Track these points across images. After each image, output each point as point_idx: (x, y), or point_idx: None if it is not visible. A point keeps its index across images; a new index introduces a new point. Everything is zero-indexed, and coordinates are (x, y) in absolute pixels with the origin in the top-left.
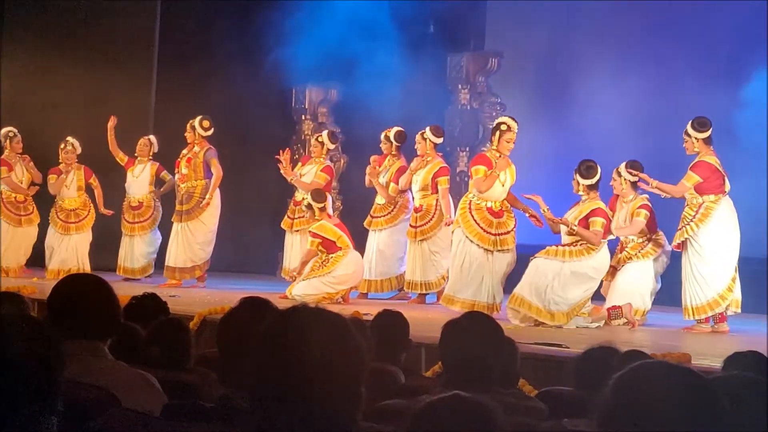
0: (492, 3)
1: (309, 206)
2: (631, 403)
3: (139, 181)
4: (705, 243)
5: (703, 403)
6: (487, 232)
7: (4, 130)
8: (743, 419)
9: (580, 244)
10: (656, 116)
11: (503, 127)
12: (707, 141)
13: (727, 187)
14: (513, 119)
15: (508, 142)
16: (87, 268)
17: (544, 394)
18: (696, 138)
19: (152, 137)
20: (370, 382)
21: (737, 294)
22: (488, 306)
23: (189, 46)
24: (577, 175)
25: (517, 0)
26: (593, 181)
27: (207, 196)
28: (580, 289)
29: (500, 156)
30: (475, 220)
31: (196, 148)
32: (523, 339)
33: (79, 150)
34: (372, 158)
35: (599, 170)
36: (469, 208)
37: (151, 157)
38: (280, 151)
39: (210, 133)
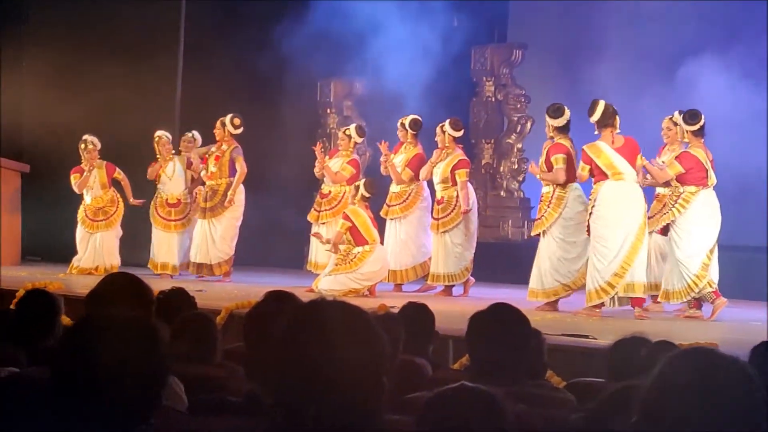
0: None
1: (357, 188)
2: (676, 392)
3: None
4: (683, 230)
5: (749, 390)
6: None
7: (157, 133)
8: None
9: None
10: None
11: None
12: (697, 133)
13: (711, 180)
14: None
15: None
16: (116, 264)
17: (572, 386)
18: (686, 130)
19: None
20: (397, 374)
21: (713, 276)
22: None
23: (214, 39)
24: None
25: None
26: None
27: (230, 194)
28: None
29: None
30: None
31: (224, 146)
32: (550, 330)
33: (98, 146)
34: (384, 145)
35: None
36: None
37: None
38: (318, 144)
39: (240, 131)
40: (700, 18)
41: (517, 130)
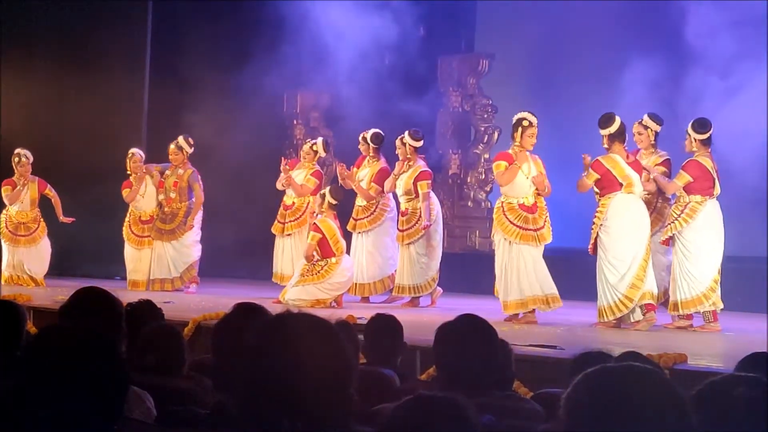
0: (482, 5)
1: (323, 196)
2: (593, 405)
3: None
4: (690, 242)
5: (667, 404)
6: (527, 230)
7: (131, 150)
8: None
9: None
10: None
11: (525, 123)
12: (705, 142)
13: (717, 191)
14: (532, 114)
15: (530, 137)
16: (40, 277)
17: (539, 396)
18: (695, 138)
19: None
20: (365, 385)
21: (718, 292)
22: (548, 299)
23: (180, 54)
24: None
25: (507, 1)
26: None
27: (189, 219)
28: None
29: (521, 150)
30: (510, 221)
31: (180, 171)
32: (518, 341)
33: (31, 159)
34: (341, 167)
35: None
36: (503, 211)
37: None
38: (282, 159)
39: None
40: (673, 26)
41: (484, 141)
